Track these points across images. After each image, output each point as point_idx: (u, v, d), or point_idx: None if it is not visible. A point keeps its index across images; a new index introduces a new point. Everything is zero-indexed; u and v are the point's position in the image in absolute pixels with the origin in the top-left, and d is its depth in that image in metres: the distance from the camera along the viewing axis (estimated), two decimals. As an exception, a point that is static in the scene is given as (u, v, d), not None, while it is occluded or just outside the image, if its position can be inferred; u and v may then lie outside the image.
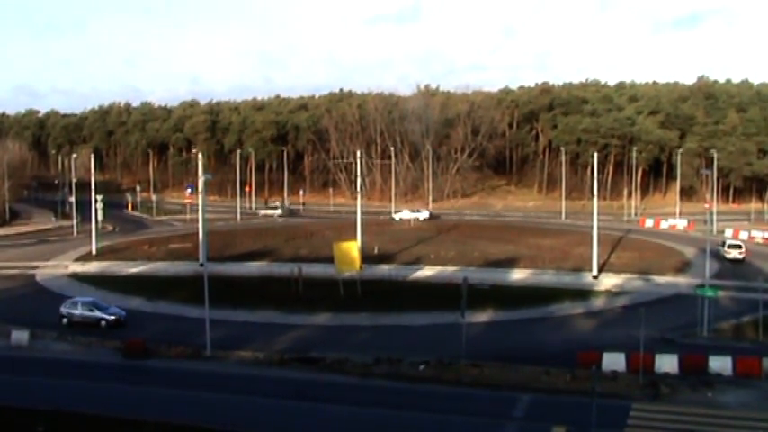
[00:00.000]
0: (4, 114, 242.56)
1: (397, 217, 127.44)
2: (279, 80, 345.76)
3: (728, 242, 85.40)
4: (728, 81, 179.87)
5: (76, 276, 76.85)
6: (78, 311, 57.04)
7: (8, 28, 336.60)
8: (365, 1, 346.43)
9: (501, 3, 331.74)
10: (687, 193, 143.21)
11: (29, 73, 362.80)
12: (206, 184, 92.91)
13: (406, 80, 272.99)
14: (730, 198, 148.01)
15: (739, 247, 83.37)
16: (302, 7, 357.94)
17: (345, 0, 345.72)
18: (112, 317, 56.92)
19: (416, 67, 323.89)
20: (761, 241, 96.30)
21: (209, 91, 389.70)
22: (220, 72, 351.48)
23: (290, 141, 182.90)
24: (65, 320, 56.83)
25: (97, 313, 56.81)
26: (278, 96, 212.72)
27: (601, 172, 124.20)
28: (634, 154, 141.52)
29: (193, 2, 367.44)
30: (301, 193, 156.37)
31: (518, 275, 75.31)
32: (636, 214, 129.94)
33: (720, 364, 43.66)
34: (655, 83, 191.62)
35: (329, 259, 70.35)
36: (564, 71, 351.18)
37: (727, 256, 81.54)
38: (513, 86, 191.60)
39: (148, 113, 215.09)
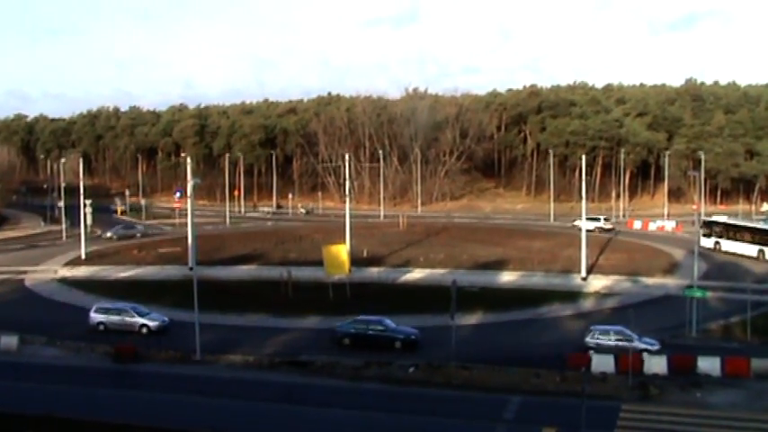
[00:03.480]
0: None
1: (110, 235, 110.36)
2: (271, 83, 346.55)
3: (603, 217, 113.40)
4: (716, 83, 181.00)
5: (66, 281, 76.51)
6: None
7: (0, 32, 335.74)
8: (363, 4, 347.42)
9: (498, 5, 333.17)
10: (675, 195, 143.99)
11: (20, 77, 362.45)
12: (195, 188, 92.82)
13: (399, 83, 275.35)
14: (718, 199, 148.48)
15: (608, 220, 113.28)
16: (299, 11, 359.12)
17: (343, 3, 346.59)
18: None
19: (410, 70, 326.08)
20: None
21: (202, 95, 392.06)
22: (213, 76, 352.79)
23: (278, 145, 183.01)
24: None
25: None
26: (266, 100, 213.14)
27: (589, 174, 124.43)
28: (622, 156, 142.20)
29: (188, 6, 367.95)
30: (290, 196, 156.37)
31: (507, 278, 75.46)
32: (624, 216, 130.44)
33: (709, 364, 43.80)
34: (642, 85, 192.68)
35: (318, 262, 70.32)
36: (558, 73, 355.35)
37: (605, 226, 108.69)
38: (510, 89, 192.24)
39: (137, 118, 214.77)
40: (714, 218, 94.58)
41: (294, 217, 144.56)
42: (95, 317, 56.32)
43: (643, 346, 47.49)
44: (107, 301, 59.05)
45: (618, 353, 44.94)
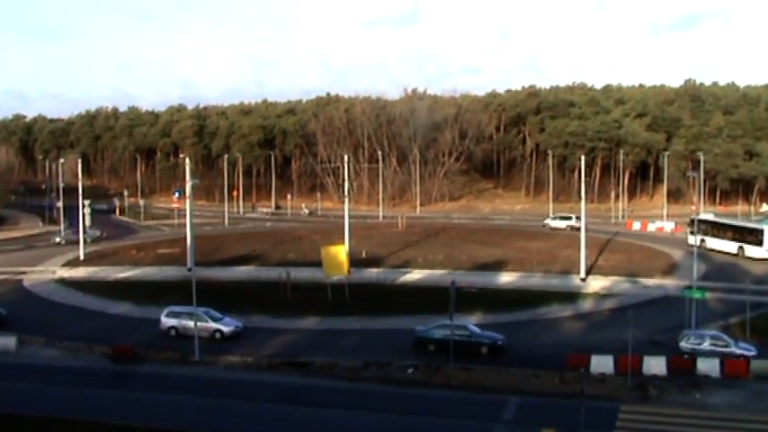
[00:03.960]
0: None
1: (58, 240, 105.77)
2: (271, 84, 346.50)
3: (574, 216, 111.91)
4: (715, 83, 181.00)
5: (64, 282, 76.41)
6: None
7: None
8: (362, 4, 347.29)
9: (497, 6, 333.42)
10: (674, 196, 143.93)
11: (19, 77, 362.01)
12: (193, 188, 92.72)
13: (398, 84, 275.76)
14: (717, 200, 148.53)
15: (579, 218, 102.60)
16: (298, 11, 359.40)
17: (342, 3, 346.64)
18: None
19: (410, 70, 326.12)
20: None
21: (201, 95, 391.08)
22: (212, 76, 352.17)
23: (277, 146, 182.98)
24: None
25: None
26: (265, 101, 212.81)
27: (588, 175, 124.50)
28: (621, 156, 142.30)
29: (187, 6, 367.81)
30: (289, 197, 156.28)
31: (506, 278, 75.38)
32: (623, 217, 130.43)
33: (708, 365, 43.84)
34: (641, 85, 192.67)
35: (317, 263, 70.19)
36: (557, 74, 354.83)
37: (576, 225, 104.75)
38: (509, 89, 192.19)
39: (136, 118, 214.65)
40: (701, 216, 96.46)
41: (293, 217, 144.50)
42: (167, 321, 54.54)
43: (740, 351, 46.76)
44: (178, 305, 55.45)
45: (615, 354, 44.86)
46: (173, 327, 54.35)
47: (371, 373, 45.12)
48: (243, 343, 52.47)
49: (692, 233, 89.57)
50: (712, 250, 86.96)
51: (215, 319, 54.19)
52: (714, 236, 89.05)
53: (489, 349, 48.98)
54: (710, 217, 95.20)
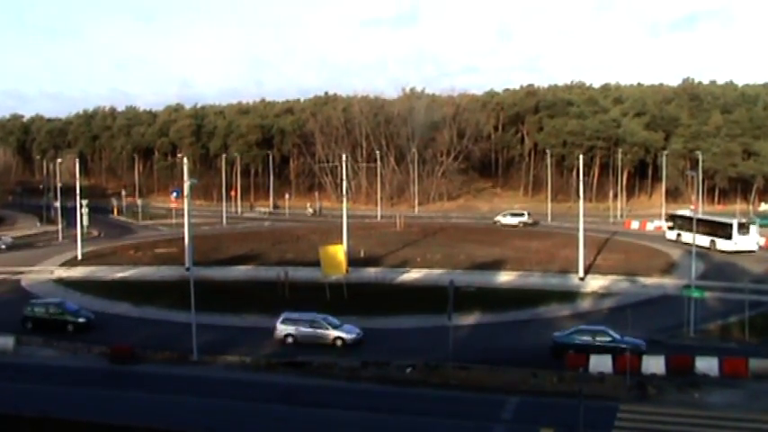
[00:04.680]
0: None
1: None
2: (269, 83, 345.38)
3: (527, 212, 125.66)
4: (713, 82, 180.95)
5: (62, 281, 76.34)
6: None
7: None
8: (362, 4, 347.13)
9: (497, 6, 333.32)
10: (673, 195, 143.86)
11: (17, 77, 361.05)
12: (191, 188, 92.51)
13: (397, 83, 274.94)
14: (716, 199, 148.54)
15: (530, 215, 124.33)
16: (297, 10, 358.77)
17: (342, 3, 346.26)
18: None
19: (409, 70, 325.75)
20: None
21: (199, 94, 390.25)
22: (210, 75, 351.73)
23: (275, 145, 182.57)
24: None
25: None
26: (263, 100, 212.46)
27: (586, 174, 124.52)
28: (620, 156, 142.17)
29: (185, 6, 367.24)
30: (287, 196, 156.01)
31: (505, 278, 75.35)
32: (622, 216, 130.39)
33: (707, 364, 43.75)
34: (639, 84, 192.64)
35: (315, 263, 70.18)
36: (556, 73, 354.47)
37: (528, 221, 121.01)
38: (507, 88, 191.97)
39: (134, 118, 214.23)
40: (678, 212, 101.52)
41: (291, 217, 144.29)
42: (283, 328, 52.19)
43: None
44: (294, 312, 53.58)
45: (614, 353, 44.86)
46: (290, 334, 52.31)
47: (370, 373, 45.04)
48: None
49: (670, 228, 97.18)
50: (688, 244, 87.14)
51: (334, 326, 52.40)
52: (689, 231, 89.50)
53: (632, 354, 46.60)
54: (688, 213, 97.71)
